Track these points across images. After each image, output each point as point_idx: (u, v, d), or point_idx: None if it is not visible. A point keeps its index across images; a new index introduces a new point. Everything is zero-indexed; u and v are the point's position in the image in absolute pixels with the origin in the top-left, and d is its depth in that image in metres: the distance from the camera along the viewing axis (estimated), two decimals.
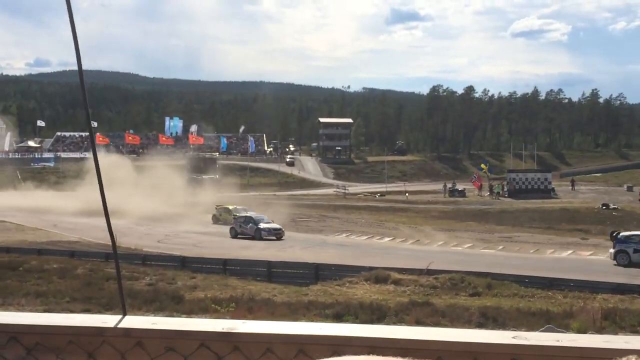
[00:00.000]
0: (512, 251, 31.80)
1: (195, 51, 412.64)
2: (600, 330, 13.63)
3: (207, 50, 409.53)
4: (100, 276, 22.33)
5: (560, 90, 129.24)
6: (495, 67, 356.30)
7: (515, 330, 1.32)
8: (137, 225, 36.90)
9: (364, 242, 35.42)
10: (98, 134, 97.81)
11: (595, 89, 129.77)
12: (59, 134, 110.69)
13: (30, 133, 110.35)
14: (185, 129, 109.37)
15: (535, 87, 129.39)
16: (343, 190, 66.58)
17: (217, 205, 44.16)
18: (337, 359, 0.81)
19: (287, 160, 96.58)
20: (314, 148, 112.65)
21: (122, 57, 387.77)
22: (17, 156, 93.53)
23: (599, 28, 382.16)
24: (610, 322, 15.75)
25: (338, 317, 15.91)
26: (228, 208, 42.90)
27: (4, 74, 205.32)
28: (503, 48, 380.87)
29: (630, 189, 64.91)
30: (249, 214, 38.24)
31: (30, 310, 14.04)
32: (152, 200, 45.27)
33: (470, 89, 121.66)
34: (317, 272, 23.18)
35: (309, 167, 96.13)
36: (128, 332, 1.44)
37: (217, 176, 71.87)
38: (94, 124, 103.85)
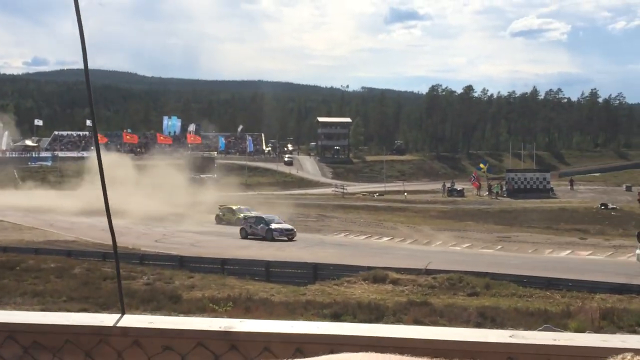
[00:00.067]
0: (510, 251, 31.83)
1: (193, 50, 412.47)
2: (598, 330, 13.65)
3: (205, 49, 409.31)
4: (97, 276, 22.34)
5: (559, 89, 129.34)
6: (494, 67, 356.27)
7: (513, 330, 1.31)
8: (136, 225, 36.84)
9: (362, 241, 35.43)
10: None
11: (595, 89, 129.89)
12: (56, 133, 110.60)
13: (28, 132, 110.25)
14: (184, 128, 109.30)
15: (534, 87, 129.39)
16: (341, 190, 66.59)
17: (221, 205, 44.05)
18: (335, 356, 0.81)
19: (286, 159, 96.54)
20: (312, 147, 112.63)
21: (120, 56, 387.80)
22: (14, 155, 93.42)
23: (598, 28, 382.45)
24: (609, 322, 15.77)
25: (336, 317, 15.91)
26: (232, 208, 42.89)
27: (2, 72, 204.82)
28: (502, 47, 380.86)
29: (629, 188, 64.93)
30: (259, 214, 37.91)
31: (27, 310, 14.02)
32: (153, 199, 45.18)
33: (469, 89, 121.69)
34: (315, 272, 23.19)
35: (308, 166, 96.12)
36: (125, 331, 1.44)
37: (215, 175, 71.91)
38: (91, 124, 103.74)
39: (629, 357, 0.71)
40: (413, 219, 44.97)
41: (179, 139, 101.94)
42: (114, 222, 1.73)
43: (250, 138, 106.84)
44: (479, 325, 14.96)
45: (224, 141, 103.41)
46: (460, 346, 1.24)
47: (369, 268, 22.68)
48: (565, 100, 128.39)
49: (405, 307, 17.53)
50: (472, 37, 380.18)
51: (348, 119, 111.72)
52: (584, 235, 36.80)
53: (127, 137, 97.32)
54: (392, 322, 14.79)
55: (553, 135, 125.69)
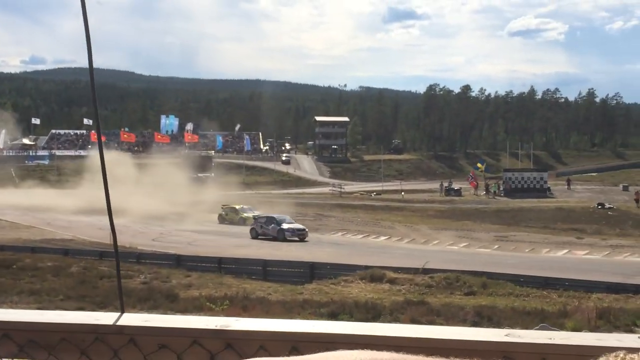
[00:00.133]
0: (507, 250, 31.88)
1: (191, 49, 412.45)
2: (594, 330, 13.67)
3: (203, 48, 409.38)
4: (94, 274, 22.31)
5: (556, 89, 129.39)
6: (492, 66, 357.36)
7: (509, 329, 1.32)
8: (134, 224, 36.74)
9: (359, 240, 35.45)
10: (93, 131, 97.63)
11: (592, 89, 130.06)
12: (53, 131, 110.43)
13: (25, 131, 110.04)
14: (181, 127, 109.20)
15: (531, 87, 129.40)
16: (339, 189, 66.59)
17: (224, 205, 43.97)
18: (330, 354, 0.81)
19: (283, 158, 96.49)
20: (310, 147, 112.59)
21: (118, 55, 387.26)
22: (11, 154, 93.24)
23: (595, 28, 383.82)
24: (605, 322, 15.80)
25: (333, 316, 15.92)
26: (235, 208, 42.88)
27: None
28: (500, 47, 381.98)
29: (626, 188, 65.00)
30: (269, 214, 37.65)
31: (24, 308, 14.00)
32: (153, 198, 45.04)
33: (466, 88, 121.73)
34: (312, 271, 23.20)
35: (305, 165, 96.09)
36: (121, 329, 1.44)
37: (213, 174, 71.88)
38: (89, 122, 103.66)
39: (621, 355, 0.71)
40: (410, 218, 45.00)
41: (176, 138, 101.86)
42: (114, 220, 1.73)
43: (247, 137, 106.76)
44: (475, 324, 14.99)
45: (221, 140, 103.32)
46: (455, 345, 1.24)
47: (366, 267, 22.69)
48: (563, 100, 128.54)
49: (402, 306, 17.55)
50: (470, 36, 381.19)
51: (346, 118, 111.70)
52: (581, 234, 36.86)
53: (125, 135, 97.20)
54: (389, 322, 14.80)
55: (550, 135, 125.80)
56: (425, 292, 20.26)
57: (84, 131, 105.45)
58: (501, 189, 62.06)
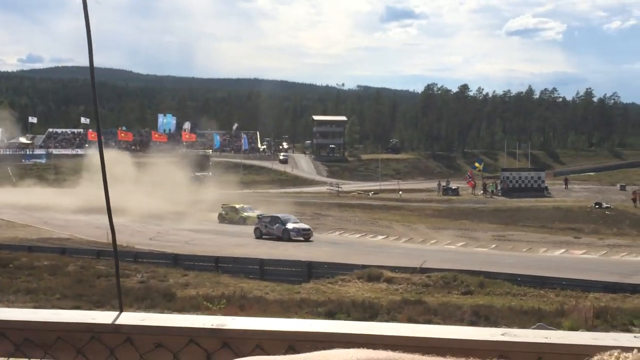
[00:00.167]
0: (505, 250, 31.91)
1: (189, 48, 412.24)
2: (591, 329, 13.69)
3: (201, 47, 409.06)
4: (91, 273, 22.30)
5: (554, 89, 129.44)
6: (490, 66, 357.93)
7: (505, 328, 1.32)
8: (133, 223, 36.65)
9: (357, 240, 35.46)
10: (90, 130, 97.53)
11: (589, 88, 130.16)
12: (50, 130, 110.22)
13: (22, 129, 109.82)
14: (179, 126, 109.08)
15: (529, 86, 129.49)
16: (336, 188, 66.58)
17: (224, 204, 43.93)
18: (327, 352, 0.81)
19: (281, 157, 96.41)
20: (307, 146, 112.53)
21: (116, 54, 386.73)
22: (8, 152, 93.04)
23: (593, 27, 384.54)
24: (602, 321, 15.83)
25: (330, 315, 15.93)
26: (235, 207, 42.88)
27: None
28: (498, 46, 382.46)
29: (623, 188, 65.12)
30: (273, 213, 37.49)
31: (20, 307, 13.98)
32: (153, 197, 44.94)
33: (464, 88, 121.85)
34: (309, 270, 23.22)
35: (303, 164, 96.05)
36: (117, 328, 1.44)
37: (210, 173, 71.81)
38: (86, 121, 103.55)
39: (615, 354, 0.71)
40: (408, 217, 45.02)
41: (173, 137, 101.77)
42: (113, 220, 1.73)
43: (245, 136, 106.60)
44: (473, 323, 15.00)
45: (219, 139, 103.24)
46: (452, 344, 1.24)
47: (364, 266, 22.72)
48: (560, 99, 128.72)
49: (399, 305, 17.57)
50: (467, 36, 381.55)
51: (343, 118, 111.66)
52: (578, 234, 36.93)
53: (122, 134, 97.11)
54: (387, 321, 14.80)
55: (548, 135, 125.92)
56: (423, 291, 20.29)
57: (81, 130, 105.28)
58: (499, 188, 62.11)
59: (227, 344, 1.36)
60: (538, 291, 20.28)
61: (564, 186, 67.89)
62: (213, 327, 1.39)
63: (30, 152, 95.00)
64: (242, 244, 32.24)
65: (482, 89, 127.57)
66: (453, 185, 64.96)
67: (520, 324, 14.35)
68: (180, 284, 21.34)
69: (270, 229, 34.83)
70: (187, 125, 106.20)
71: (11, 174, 75.50)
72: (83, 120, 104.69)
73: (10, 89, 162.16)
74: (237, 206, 42.97)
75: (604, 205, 49.05)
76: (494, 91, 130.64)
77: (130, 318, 1.47)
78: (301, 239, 33.75)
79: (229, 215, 41.96)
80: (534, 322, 14.12)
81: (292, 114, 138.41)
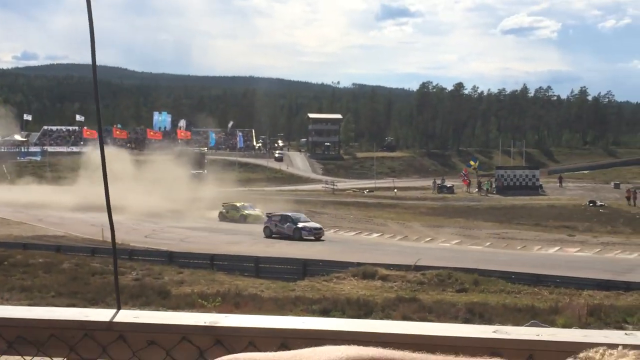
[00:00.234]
0: (499, 247, 31.97)
1: (184, 46, 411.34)
2: (585, 326, 13.74)
3: (196, 44, 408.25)
4: (86, 271, 22.25)
5: (549, 87, 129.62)
6: (485, 64, 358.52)
7: (498, 325, 1.32)
8: (129, 221, 36.46)
9: (352, 237, 35.47)
10: (85, 127, 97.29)
11: (584, 87, 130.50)
12: (45, 127, 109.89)
13: (17, 127, 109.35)
14: (174, 124, 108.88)
15: (524, 84, 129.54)
16: (332, 186, 66.59)
17: (224, 203, 43.83)
18: (318, 349, 0.81)
19: (276, 155, 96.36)
20: (302, 144, 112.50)
21: (111, 52, 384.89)
22: (3, 150, 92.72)
23: (588, 26, 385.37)
24: (596, 318, 15.89)
25: (325, 313, 15.95)
26: (236, 205, 42.85)
27: None
28: (493, 45, 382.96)
29: (617, 186, 65.28)
30: (282, 212, 37.21)
31: (14, 305, 13.95)
32: (151, 195, 44.75)
33: (459, 86, 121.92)
34: (304, 268, 23.22)
35: (298, 162, 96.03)
36: (110, 326, 1.44)
37: (205, 171, 71.74)
38: (81, 118, 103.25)
39: (601, 351, 0.72)
40: (403, 215, 45.05)
41: (169, 135, 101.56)
42: (113, 218, 1.73)
43: (240, 134, 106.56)
44: (467, 321, 15.04)
45: (214, 137, 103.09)
46: (444, 341, 1.25)
47: (359, 264, 22.73)
48: (555, 98, 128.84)
49: (394, 303, 17.60)
50: (463, 34, 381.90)
51: (339, 116, 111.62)
52: (572, 232, 37.02)
53: (117, 132, 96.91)
54: (381, 318, 14.82)
55: (542, 133, 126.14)
56: (417, 289, 20.31)
57: (76, 127, 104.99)
58: (493, 186, 62.24)
59: (220, 341, 1.37)
60: (532, 289, 20.33)
61: (558, 184, 68.02)
62: (206, 324, 1.39)
63: (25, 150, 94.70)
64: (237, 241, 32.20)
65: (477, 87, 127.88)
66: (448, 184, 65.01)
67: (514, 321, 14.40)
68: (175, 282, 21.32)
69: (280, 227, 34.29)
70: (182, 123, 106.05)
71: (6, 171, 75.22)
72: (78, 117, 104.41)
73: (5, 86, 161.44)
74: (238, 204, 42.95)
75: (598, 203, 49.18)
76: (488, 89, 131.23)
77: (124, 315, 1.47)
78: (312, 238, 33.16)
79: (230, 214, 41.92)
80: (527, 319, 14.16)
81: (288, 111, 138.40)
